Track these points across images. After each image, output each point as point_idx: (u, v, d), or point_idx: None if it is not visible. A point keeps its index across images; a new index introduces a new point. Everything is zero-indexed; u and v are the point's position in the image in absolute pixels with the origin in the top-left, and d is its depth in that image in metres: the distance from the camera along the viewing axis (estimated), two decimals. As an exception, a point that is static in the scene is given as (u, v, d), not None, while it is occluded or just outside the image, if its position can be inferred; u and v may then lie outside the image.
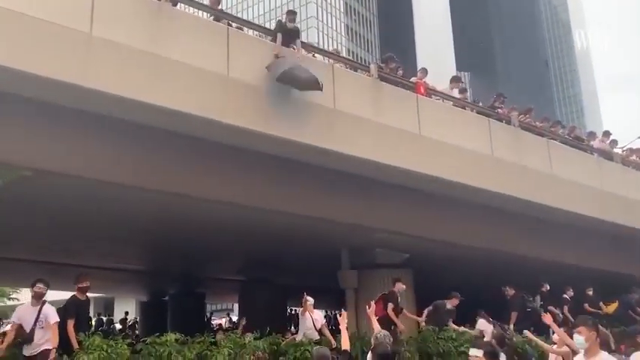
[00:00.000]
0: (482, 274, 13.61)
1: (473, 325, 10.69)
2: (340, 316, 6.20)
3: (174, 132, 7.72)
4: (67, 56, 6.46)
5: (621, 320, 13.33)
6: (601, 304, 13.50)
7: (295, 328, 14.31)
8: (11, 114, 6.63)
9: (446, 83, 12.32)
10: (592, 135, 15.59)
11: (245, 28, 9.53)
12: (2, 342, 7.05)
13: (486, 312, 11.04)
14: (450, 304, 10.92)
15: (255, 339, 8.53)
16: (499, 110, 12.55)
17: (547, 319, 7.45)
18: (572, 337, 6.04)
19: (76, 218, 9.56)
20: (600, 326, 6.35)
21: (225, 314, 32.08)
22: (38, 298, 6.98)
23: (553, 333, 7.73)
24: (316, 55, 10.50)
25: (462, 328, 10.63)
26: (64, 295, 10.45)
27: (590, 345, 4.37)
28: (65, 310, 7.38)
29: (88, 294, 7.95)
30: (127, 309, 27.83)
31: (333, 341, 8.90)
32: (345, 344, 5.74)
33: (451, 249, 11.68)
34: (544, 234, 12.58)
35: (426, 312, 11.00)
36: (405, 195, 10.37)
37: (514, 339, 9.80)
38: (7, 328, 9.26)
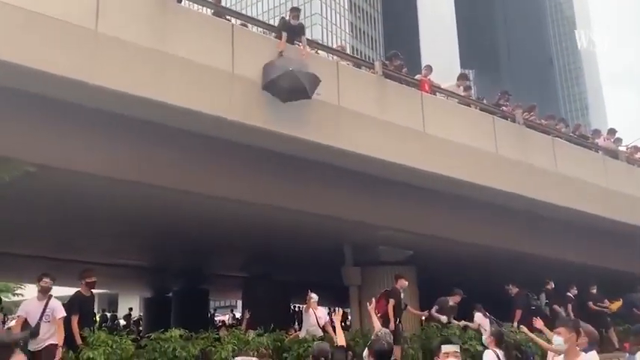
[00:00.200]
0: (487, 271, 13.60)
1: (471, 320, 10.83)
2: (335, 314, 6.25)
3: (180, 129, 7.74)
4: (73, 53, 6.48)
5: (625, 318, 13.33)
6: (606, 301, 13.50)
7: (299, 324, 14.34)
8: (17, 110, 6.65)
9: (450, 81, 12.30)
10: (597, 133, 15.55)
11: (249, 25, 9.53)
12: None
13: (489, 309, 11.07)
14: (452, 300, 11.06)
15: (258, 335, 8.56)
16: (504, 108, 12.53)
17: (538, 323, 7.44)
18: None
19: (81, 214, 9.59)
20: (590, 326, 6.38)
21: (228, 311, 32.17)
22: (45, 293, 7.01)
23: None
24: (320, 52, 10.48)
25: (462, 323, 10.69)
26: (67, 290, 10.53)
27: (570, 346, 4.28)
28: (70, 306, 7.41)
29: (92, 290, 8.00)
30: (130, 305, 27.92)
31: (335, 338, 8.92)
32: (340, 340, 5.81)
33: (455, 246, 11.67)
34: (548, 232, 12.55)
35: (434, 310, 11.02)
36: (409, 192, 10.37)
37: (518, 336, 9.82)
38: (12, 323, 9.32)
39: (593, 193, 12.45)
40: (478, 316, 10.77)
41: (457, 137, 10.34)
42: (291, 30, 8.95)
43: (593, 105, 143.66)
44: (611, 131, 15.50)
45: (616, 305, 13.78)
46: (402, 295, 10.02)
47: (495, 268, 13.28)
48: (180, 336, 7.66)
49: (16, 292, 29.42)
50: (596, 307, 13.15)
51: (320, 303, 9.82)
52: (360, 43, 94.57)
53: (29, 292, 20.35)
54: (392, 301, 9.62)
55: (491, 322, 10.55)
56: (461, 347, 9.67)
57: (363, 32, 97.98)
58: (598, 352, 4.84)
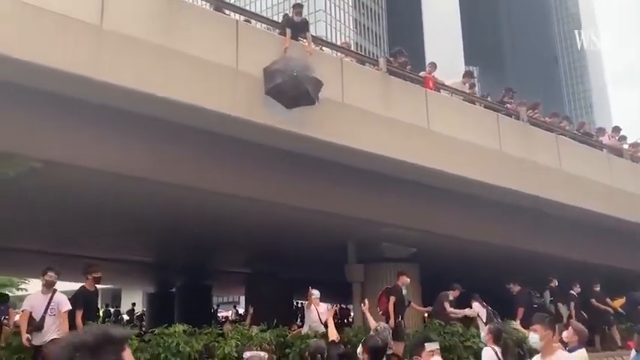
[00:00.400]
0: (490, 269, 13.60)
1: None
2: (329, 310, 6.29)
3: (185, 125, 7.75)
4: (78, 49, 6.50)
5: (629, 317, 13.32)
6: (608, 300, 13.48)
7: (301, 321, 14.38)
8: (22, 106, 6.67)
9: (454, 78, 12.28)
10: (601, 131, 15.50)
11: (251, 21, 9.51)
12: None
13: (493, 306, 11.08)
14: (452, 295, 11.20)
15: (262, 331, 8.59)
16: (508, 105, 12.51)
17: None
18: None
19: (86, 210, 9.62)
20: (580, 324, 6.39)
21: (231, 307, 32.26)
22: (49, 287, 7.06)
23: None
24: (324, 48, 10.46)
25: (462, 311, 10.88)
26: (69, 286, 10.57)
27: (546, 344, 4.25)
28: (74, 301, 7.46)
29: (96, 285, 8.04)
30: (134, 300, 28.06)
31: (336, 335, 8.94)
32: (332, 335, 5.87)
33: (458, 244, 11.67)
34: (552, 229, 12.53)
35: (447, 305, 11.10)
36: (413, 189, 10.37)
37: (520, 334, 9.82)
38: (16, 318, 9.36)
39: (597, 191, 12.43)
40: (476, 306, 10.94)
41: (461, 134, 10.33)
42: (295, 26, 8.94)
43: (597, 103, 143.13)
44: (616, 129, 15.46)
45: (618, 302, 13.77)
46: (404, 292, 10.02)
47: (499, 266, 13.27)
48: (184, 331, 7.69)
49: (20, 286, 29.53)
50: (600, 305, 13.13)
51: (323, 300, 9.83)
52: (364, 39, 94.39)
53: (33, 286, 20.43)
54: (392, 298, 9.63)
55: (488, 313, 10.68)
56: (463, 345, 9.78)
57: (367, 29, 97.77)
58: (588, 351, 4.83)
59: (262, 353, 4.62)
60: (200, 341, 7.78)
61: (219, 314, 25.41)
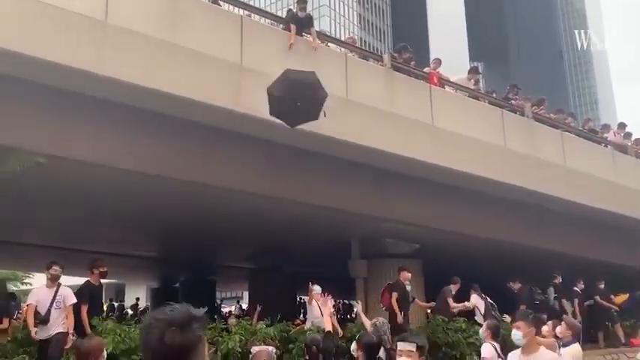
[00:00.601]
0: (494, 265, 13.57)
1: (467, 301, 11.08)
2: (325, 305, 6.31)
3: (189, 120, 7.76)
4: (83, 44, 6.51)
5: (632, 314, 13.30)
6: (612, 296, 13.47)
7: (304, 316, 14.41)
8: (27, 101, 6.70)
9: (459, 74, 12.25)
10: (606, 127, 15.44)
11: (252, 15, 9.49)
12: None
13: (496, 302, 11.10)
14: (454, 289, 11.31)
15: (266, 326, 8.61)
16: (512, 102, 12.47)
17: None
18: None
19: (90, 205, 9.65)
20: (573, 319, 6.41)
21: (234, 302, 32.32)
22: (54, 280, 7.09)
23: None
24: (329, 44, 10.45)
25: (459, 305, 10.98)
26: (72, 280, 10.60)
27: (529, 340, 4.20)
28: (80, 295, 7.48)
29: (101, 280, 8.07)
30: (137, 295, 28.14)
31: (339, 330, 8.97)
32: (328, 326, 6.00)
33: (462, 240, 11.66)
34: (556, 226, 12.51)
35: (451, 300, 11.20)
36: (416, 185, 10.36)
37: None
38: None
39: (601, 188, 12.39)
40: (474, 297, 11.12)
41: (465, 130, 10.30)
42: (299, 22, 8.93)
43: (602, 100, 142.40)
44: (621, 125, 15.38)
45: (621, 299, 13.75)
46: (407, 288, 10.01)
47: (503, 262, 13.26)
48: (188, 326, 7.70)
49: (24, 280, 29.64)
50: (604, 303, 13.11)
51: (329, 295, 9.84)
52: (368, 34, 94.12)
53: (37, 281, 20.51)
54: (395, 294, 9.63)
55: (486, 305, 10.75)
56: (466, 341, 9.78)
57: (372, 24, 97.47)
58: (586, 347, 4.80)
59: (270, 348, 4.65)
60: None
61: (223, 309, 25.46)
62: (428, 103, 10.03)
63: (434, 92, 10.27)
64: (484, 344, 5.95)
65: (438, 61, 11.62)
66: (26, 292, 12.63)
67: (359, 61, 10.14)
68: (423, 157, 9.57)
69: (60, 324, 6.93)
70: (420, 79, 10.55)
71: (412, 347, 4.00)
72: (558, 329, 6.09)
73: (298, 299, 20.54)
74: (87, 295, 7.62)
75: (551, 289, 12.58)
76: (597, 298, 13.16)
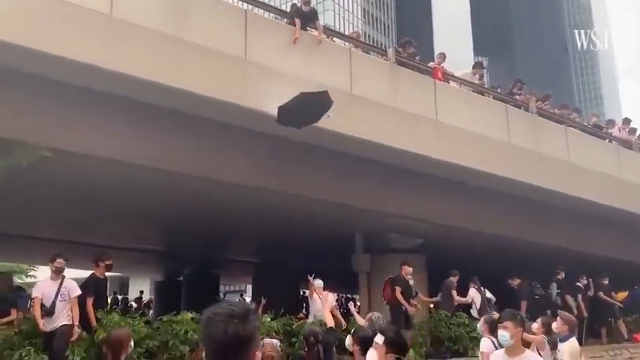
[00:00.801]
0: (497, 261, 13.58)
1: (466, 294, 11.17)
2: (326, 300, 6.37)
3: (195, 115, 7.78)
4: (88, 38, 6.52)
5: (635, 310, 13.31)
6: (613, 293, 13.48)
7: (306, 310, 14.46)
8: (33, 95, 6.72)
9: (462, 68, 12.22)
10: (611, 123, 15.38)
11: (259, 11, 9.48)
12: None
13: (500, 299, 11.12)
14: (455, 281, 11.42)
15: (270, 319, 8.65)
16: (517, 97, 12.44)
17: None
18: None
19: (96, 199, 9.68)
20: (568, 314, 6.42)
21: (238, 295, 32.44)
22: (58, 273, 7.14)
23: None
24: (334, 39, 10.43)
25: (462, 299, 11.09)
26: (77, 273, 10.65)
27: (516, 342, 4.02)
28: (85, 288, 7.53)
29: (106, 273, 8.12)
30: (141, 288, 28.26)
31: (343, 322, 9.02)
32: (329, 322, 6.06)
33: (466, 235, 11.67)
34: (560, 221, 12.51)
35: (455, 294, 11.29)
36: (421, 180, 10.36)
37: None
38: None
39: (605, 184, 12.37)
40: (472, 291, 11.27)
41: (470, 125, 10.29)
42: (303, 16, 8.92)
43: (607, 95, 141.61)
44: (626, 121, 15.32)
45: (620, 296, 13.76)
46: (410, 282, 10.04)
47: (506, 258, 13.27)
48: (192, 319, 7.77)
49: (29, 273, 29.81)
50: (607, 299, 13.11)
51: (330, 290, 9.88)
52: (372, 29, 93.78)
53: (41, 274, 20.62)
54: (398, 289, 9.66)
55: (482, 300, 10.83)
56: (469, 335, 9.81)
57: (376, 18, 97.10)
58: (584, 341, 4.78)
59: (275, 340, 4.69)
60: (208, 329, 7.84)
61: (226, 303, 25.53)
62: (432, 97, 10.02)
63: (438, 87, 10.25)
64: (483, 339, 5.98)
65: (443, 56, 11.59)
66: (31, 285, 12.70)
67: (363, 55, 10.12)
68: (427, 152, 9.56)
69: (65, 316, 6.97)
70: (425, 74, 10.53)
71: (379, 340, 3.90)
72: (554, 325, 6.11)
73: (302, 293, 20.64)
74: (92, 287, 7.66)
75: (554, 285, 12.58)
76: (600, 294, 13.16)
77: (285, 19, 9.27)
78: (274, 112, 7.66)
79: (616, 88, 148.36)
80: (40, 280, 8.87)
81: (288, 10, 9.55)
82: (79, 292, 7.16)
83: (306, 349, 5.33)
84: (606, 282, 13.37)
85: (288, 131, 8.38)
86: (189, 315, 7.79)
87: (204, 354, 1.71)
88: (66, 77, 6.72)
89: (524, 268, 12.44)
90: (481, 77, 12.32)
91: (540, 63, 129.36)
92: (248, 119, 7.96)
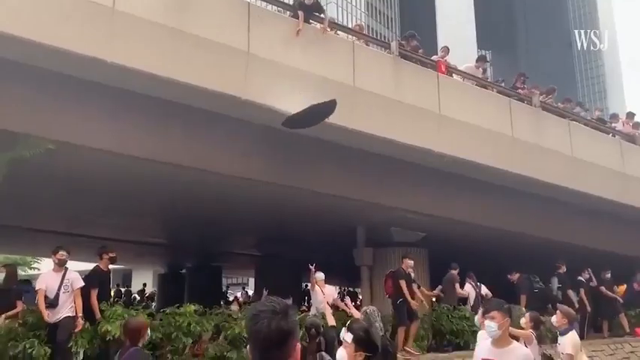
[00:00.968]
0: (500, 255, 13.60)
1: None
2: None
3: (198, 108, 7.78)
4: (91, 31, 6.51)
5: (632, 304, 13.31)
6: (615, 287, 13.49)
7: (308, 303, 14.51)
8: (37, 87, 6.73)
9: (466, 62, 12.18)
10: (615, 117, 15.32)
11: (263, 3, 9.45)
12: None
13: (501, 293, 11.11)
14: (456, 273, 11.51)
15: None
16: (520, 90, 12.39)
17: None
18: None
19: (99, 191, 9.71)
20: (567, 307, 6.43)
21: (240, 288, 32.54)
22: (61, 265, 7.18)
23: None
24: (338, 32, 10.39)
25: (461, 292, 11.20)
26: (80, 265, 10.69)
27: (503, 333, 3.92)
28: (89, 280, 7.57)
29: (109, 265, 8.16)
30: (144, 281, 28.37)
31: (349, 311, 9.03)
32: (330, 322, 6.10)
33: (468, 229, 11.67)
34: (562, 216, 12.50)
35: (458, 287, 11.39)
36: (423, 174, 10.36)
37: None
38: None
39: (608, 178, 12.34)
40: (467, 287, 11.36)
41: (472, 119, 10.27)
42: (307, 9, 8.88)
43: (611, 89, 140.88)
44: (630, 115, 15.24)
45: (621, 289, 13.77)
46: (412, 276, 10.03)
47: (509, 252, 13.27)
48: (195, 311, 7.80)
49: (32, 266, 29.95)
50: (609, 293, 13.12)
51: (332, 283, 9.91)
52: (375, 22, 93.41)
53: (45, 266, 20.72)
54: (403, 282, 9.64)
55: (476, 296, 10.89)
56: (470, 329, 9.82)
57: (379, 11, 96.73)
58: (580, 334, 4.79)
59: None
60: (211, 321, 7.90)
61: (229, 296, 25.67)
62: (435, 91, 9.99)
63: (441, 80, 10.22)
64: (480, 332, 6.00)
65: (446, 50, 11.54)
66: (34, 277, 12.77)
67: (366, 48, 10.09)
68: (429, 146, 9.56)
69: (68, 307, 7.02)
70: (428, 68, 10.50)
71: (348, 338, 3.79)
72: (554, 319, 6.13)
73: (304, 286, 20.71)
74: (96, 280, 7.71)
75: (555, 279, 12.59)
76: (603, 288, 13.17)
77: (288, 13, 9.23)
78: (277, 105, 7.67)
79: (620, 81, 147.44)
80: (43, 271, 8.92)
81: (291, 2, 9.51)
82: (82, 283, 7.21)
83: (307, 340, 5.36)
84: (608, 276, 13.37)
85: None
86: (192, 307, 7.83)
87: (248, 347, 1.85)
88: (70, 70, 6.72)
89: (527, 262, 12.44)
90: (484, 71, 12.28)
91: (544, 57, 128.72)
92: (250, 112, 7.95)
